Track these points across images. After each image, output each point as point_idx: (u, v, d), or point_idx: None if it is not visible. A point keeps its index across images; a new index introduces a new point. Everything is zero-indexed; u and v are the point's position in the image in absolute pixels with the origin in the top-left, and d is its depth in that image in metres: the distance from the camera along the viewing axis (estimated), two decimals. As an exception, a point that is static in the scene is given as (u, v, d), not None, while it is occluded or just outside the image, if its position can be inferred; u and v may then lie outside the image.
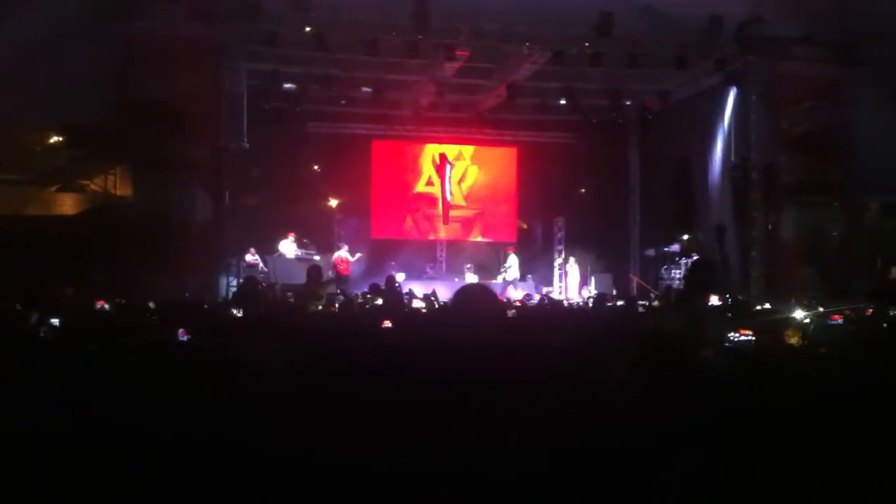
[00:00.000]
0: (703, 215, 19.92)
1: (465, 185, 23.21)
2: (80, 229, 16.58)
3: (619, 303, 13.19)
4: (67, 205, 18.03)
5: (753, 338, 4.83)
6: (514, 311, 8.84)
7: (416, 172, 23.02)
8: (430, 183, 23.02)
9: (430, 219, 23.04)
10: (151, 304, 9.09)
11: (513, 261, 21.37)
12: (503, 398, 2.78)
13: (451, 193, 22.92)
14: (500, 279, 21.01)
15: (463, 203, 23.17)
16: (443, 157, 22.83)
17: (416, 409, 2.72)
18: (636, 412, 2.84)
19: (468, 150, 23.27)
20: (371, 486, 2.45)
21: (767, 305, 12.04)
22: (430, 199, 23.04)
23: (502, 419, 2.67)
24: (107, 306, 8.75)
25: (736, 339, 4.83)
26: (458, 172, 23.15)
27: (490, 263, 22.43)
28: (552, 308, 12.43)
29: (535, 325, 6.49)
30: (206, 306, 9.80)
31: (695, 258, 17.63)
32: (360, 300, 11.35)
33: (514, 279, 20.88)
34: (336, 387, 3.00)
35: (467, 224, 23.28)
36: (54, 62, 14.63)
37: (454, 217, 23.10)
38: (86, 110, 15.73)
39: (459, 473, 2.47)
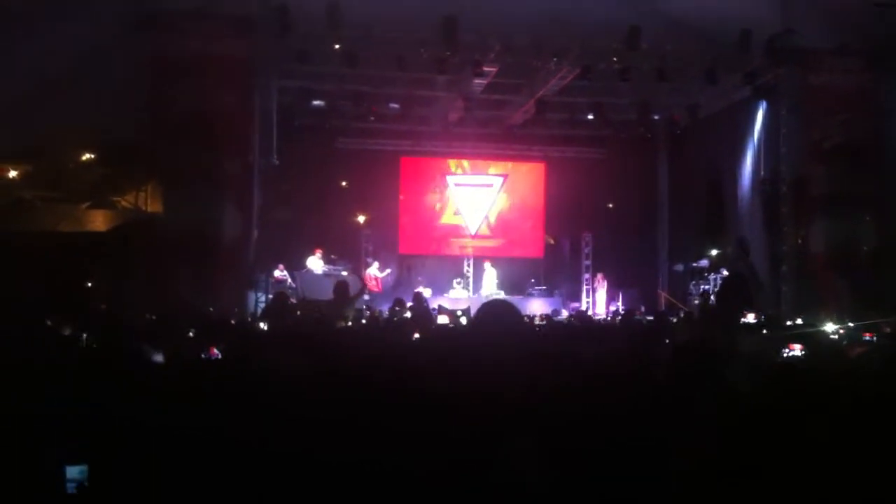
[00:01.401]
0: (733, 230, 19.76)
1: (492, 214, 23.24)
2: (112, 245, 16.74)
3: (648, 318, 13.11)
4: (99, 221, 18.22)
5: (802, 352, 4.75)
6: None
7: (443, 191, 23.04)
8: (456, 213, 23.07)
9: (456, 234, 23.03)
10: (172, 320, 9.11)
11: (488, 273, 21.44)
12: (525, 414, 2.76)
13: (477, 213, 23.01)
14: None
15: (488, 232, 23.23)
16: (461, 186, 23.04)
17: (437, 426, 2.71)
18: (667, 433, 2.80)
19: (497, 178, 23.30)
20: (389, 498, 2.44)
21: (799, 321, 11.93)
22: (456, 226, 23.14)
23: (524, 435, 2.65)
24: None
25: (788, 355, 4.74)
26: (485, 194, 23.17)
27: (517, 279, 22.36)
28: (581, 324, 12.36)
29: (562, 341, 6.46)
30: (233, 322, 9.85)
31: (728, 274, 17.46)
32: (385, 316, 11.37)
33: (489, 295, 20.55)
34: (359, 401, 2.99)
35: (494, 239, 23.27)
36: (87, 79, 14.81)
37: (481, 234, 23.10)
38: (118, 127, 15.92)
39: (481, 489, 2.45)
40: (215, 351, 4.88)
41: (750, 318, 6.55)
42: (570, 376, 3.26)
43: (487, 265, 21.67)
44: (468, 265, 23.02)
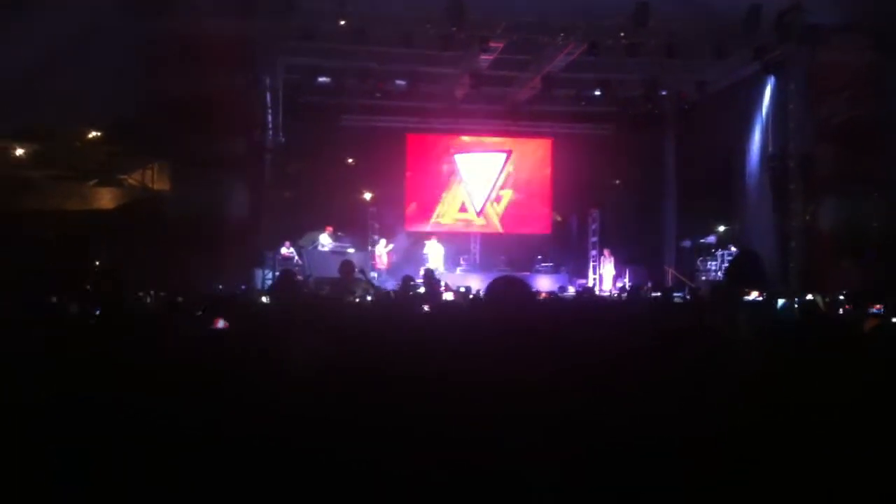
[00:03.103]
0: (741, 206, 19.70)
1: (498, 191, 23.20)
2: (119, 223, 16.79)
3: (655, 294, 13.10)
4: (106, 199, 18.28)
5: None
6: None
7: (449, 168, 23.01)
8: (463, 189, 23.05)
9: (463, 211, 23.01)
10: (179, 299, 9.13)
11: (434, 249, 21.08)
12: (532, 392, 2.75)
13: (483, 190, 22.96)
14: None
15: (494, 209, 23.17)
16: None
17: (445, 402, 2.71)
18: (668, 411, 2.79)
19: (503, 155, 23.26)
20: (392, 482, 2.45)
21: (809, 297, 11.90)
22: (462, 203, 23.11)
23: (529, 414, 2.64)
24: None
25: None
26: (491, 170, 23.13)
27: (524, 256, 22.32)
28: (591, 300, 12.36)
29: (572, 317, 6.44)
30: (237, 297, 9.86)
31: (736, 250, 17.43)
32: (393, 293, 11.38)
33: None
34: (366, 377, 2.99)
35: (501, 200, 23.23)
36: (93, 59, 14.79)
37: (488, 211, 23.07)
38: (124, 107, 15.92)
39: (488, 471, 2.45)
40: (220, 323, 4.87)
41: (754, 295, 6.53)
42: (573, 356, 3.23)
43: (433, 241, 21.26)
44: (475, 243, 23.02)
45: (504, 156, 23.25)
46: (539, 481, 2.46)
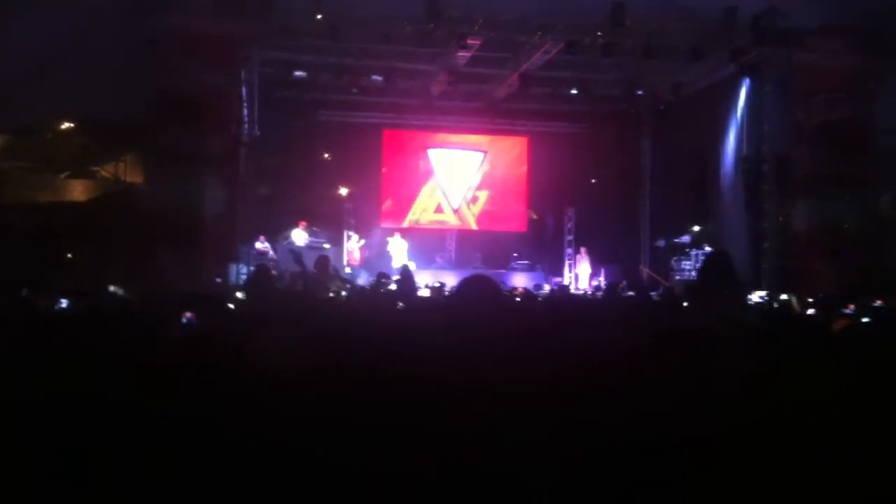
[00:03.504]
0: (715, 207, 19.83)
1: (474, 188, 23.28)
2: (92, 216, 16.64)
3: (629, 293, 13.14)
4: (78, 191, 18.10)
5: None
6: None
7: (425, 165, 23.00)
8: (439, 186, 23.09)
9: (438, 208, 23.02)
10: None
11: (397, 245, 20.89)
12: (507, 391, 2.76)
13: (459, 187, 23.00)
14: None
15: (470, 206, 23.27)
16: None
17: (422, 400, 2.70)
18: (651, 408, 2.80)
19: (479, 152, 23.30)
20: (372, 483, 2.44)
21: (784, 297, 12.00)
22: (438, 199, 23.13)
23: (508, 413, 2.64)
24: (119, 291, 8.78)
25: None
26: (467, 167, 23.15)
27: (499, 254, 22.34)
28: (567, 298, 12.39)
29: (545, 315, 6.46)
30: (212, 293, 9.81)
31: (710, 250, 17.54)
32: (369, 288, 11.37)
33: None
34: (344, 374, 2.98)
35: (477, 200, 23.27)
36: (71, 55, 14.69)
37: (463, 208, 23.10)
38: (100, 100, 15.79)
39: (468, 468, 2.45)
40: (187, 315, 4.83)
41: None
42: (549, 354, 3.24)
43: (396, 237, 21.10)
44: (451, 240, 23.03)
45: (480, 154, 23.28)
46: (528, 481, 2.46)
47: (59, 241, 15.43)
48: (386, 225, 22.20)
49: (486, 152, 23.35)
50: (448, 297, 9.71)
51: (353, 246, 20.07)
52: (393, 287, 10.03)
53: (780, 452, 2.53)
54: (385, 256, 20.28)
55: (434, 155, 23.03)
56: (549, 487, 2.45)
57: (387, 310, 5.73)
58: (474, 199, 23.19)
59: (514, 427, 2.57)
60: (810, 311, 9.20)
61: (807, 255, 16.77)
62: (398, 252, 20.65)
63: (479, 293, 3.81)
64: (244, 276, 15.73)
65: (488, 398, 2.69)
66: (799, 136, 17.18)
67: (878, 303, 8.97)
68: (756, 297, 7.50)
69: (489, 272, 18.04)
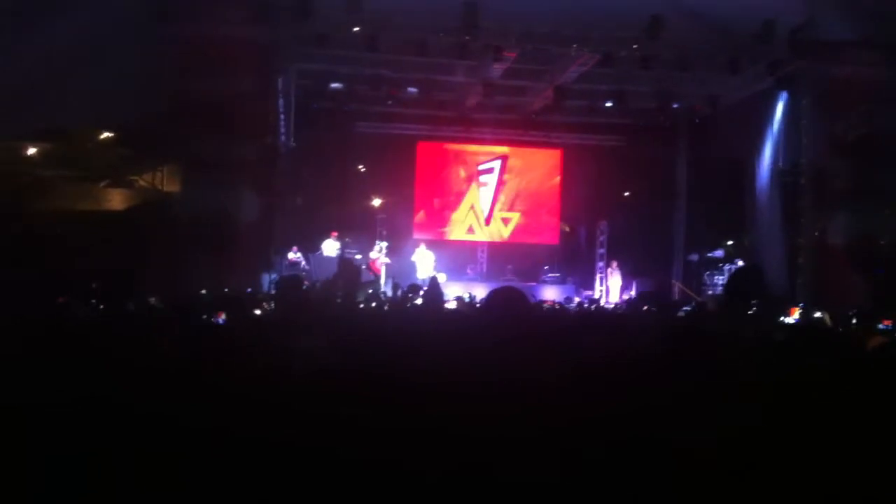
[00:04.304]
0: (751, 221, 19.65)
1: (508, 200, 23.20)
2: (129, 224, 16.82)
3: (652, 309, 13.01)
4: (116, 200, 18.31)
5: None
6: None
7: (459, 177, 23.03)
8: (472, 198, 23.08)
9: (471, 220, 23.03)
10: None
11: (423, 256, 20.69)
12: (530, 397, 2.76)
13: (492, 202, 23.00)
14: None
15: (503, 218, 23.20)
16: (477, 172, 22.98)
17: (441, 405, 2.72)
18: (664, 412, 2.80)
19: (515, 161, 23.27)
20: (389, 483, 2.45)
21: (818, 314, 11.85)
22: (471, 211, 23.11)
23: (526, 419, 2.65)
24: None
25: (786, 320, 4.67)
26: (500, 180, 23.17)
27: (531, 266, 22.30)
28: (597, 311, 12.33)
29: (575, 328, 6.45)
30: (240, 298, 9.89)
31: (739, 264, 17.39)
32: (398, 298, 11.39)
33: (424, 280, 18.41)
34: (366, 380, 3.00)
35: (509, 222, 23.23)
36: (109, 62, 14.86)
37: (496, 220, 23.09)
38: (138, 109, 15.96)
39: (479, 472, 2.46)
40: (222, 317, 4.91)
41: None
42: (573, 367, 3.24)
43: (422, 248, 20.90)
44: (482, 252, 23.01)
45: (517, 166, 23.25)
46: (534, 485, 2.47)
47: (97, 249, 15.60)
48: (418, 237, 22.23)
49: (519, 164, 23.31)
50: (478, 307, 9.72)
51: (375, 255, 20.08)
52: (419, 301, 10.03)
53: (793, 465, 2.51)
54: (411, 267, 20.26)
55: (468, 167, 23.05)
56: (563, 488, 2.46)
57: (412, 319, 5.74)
58: (506, 221, 23.16)
59: (533, 430, 2.59)
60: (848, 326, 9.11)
61: (843, 270, 16.53)
62: (424, 263, 20.63)
63: (508, 304, 3.83)
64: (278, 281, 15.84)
65: (511, 402, 2.71)
66: (836, 149, 16.98)
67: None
68: (791, 318, 7.39)
69: (520, 285, 18.00)
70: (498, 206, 23.11)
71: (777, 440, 2.59)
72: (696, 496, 2.46)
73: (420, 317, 7.10)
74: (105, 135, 18.61)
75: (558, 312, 9.30)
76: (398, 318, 7.21)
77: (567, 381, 2.96)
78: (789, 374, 3.29)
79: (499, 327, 3.70)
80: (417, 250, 20.90)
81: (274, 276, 16.75)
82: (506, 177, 23.16)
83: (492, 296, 4.00)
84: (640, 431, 2.62)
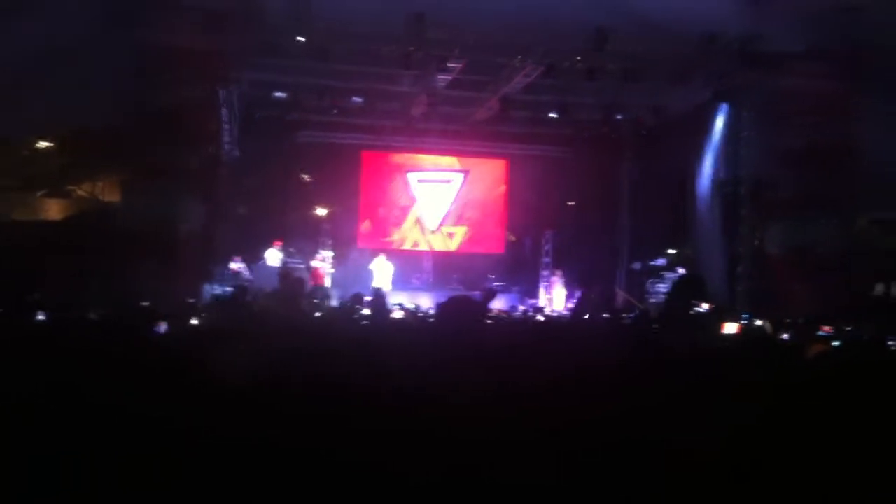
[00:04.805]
0: (692, 230, 19.92)
1: (453, 210, 23.33)
2: (67, 234, 16.53)
3: (605, 315, 13.09)
4: (54, 210, 18.01)
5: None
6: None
7: (404, 187, 23.02)
8: (417, 208, 23.11)
9: (416, 230, 23.03)
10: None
11: (382, 267, 20.54)
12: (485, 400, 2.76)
13: (438, 214, 23.03)
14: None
15: (448, 228, 23.32)
16: (422, 182, 23.06)
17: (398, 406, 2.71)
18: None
19: (460, 171, 23.34)
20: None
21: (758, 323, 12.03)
22: (416, 221, 23.16)
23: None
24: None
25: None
26: (446, 190, 23.19)
27: (476, 275, 22.34)
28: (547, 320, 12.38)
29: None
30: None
31: (680, 273, 17.61)
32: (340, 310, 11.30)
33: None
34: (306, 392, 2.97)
35: (454, 236, 23.27)
36: (49, 68, 14.60)
37: (441, 230, 23.14)
38: (80, 118, 15.70)
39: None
40: (163, 326, 4.83)
41: (704, 306, 6.59)
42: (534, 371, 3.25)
43: (382, 258, 20.72)
44: (428, 261, 23.00)
45: (462, 176, 23.34)
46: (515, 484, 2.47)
47: (35, 259, 15.30)
48: (363, 246, 22.15)
49: (465, 174, 23.39)
50: (424, 318, 9.67)
51: (317, 264, 19.93)
52: (366, 311, 9.94)
53: (746, 474, 2.52)
54: (361, 278, 20.14)
55: (412, 177, 23.06)
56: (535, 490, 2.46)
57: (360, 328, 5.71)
58: (451, 236, 23.21)
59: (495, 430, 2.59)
60: (784, 336, 9.25)
61: (782, 278, 16.82)
62: (382, 274, 20.53)
63: (460, 313, 3.83)
64: (216, 292, 15.65)
65: (466, 406, 2.71)
66: (776, 159, 17.25)
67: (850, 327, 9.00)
68: (729, 328, 7.49)
69: (466, 294, 18.00)
70: (443, 219, 23.13)
71: (729, 451, 2.61)
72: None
73: (367, 325, 7.04)
74: (43, 144, 18.30)
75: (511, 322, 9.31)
76: (343, 325, 7.16)
77: (538, 389, 2.96)
78: (737, 383, 3.32)
79: (453, 340, 3.69)
80: (376, 260, 20.71)
81: (215, 286, 16.55)
82: (451, 187, 23.22)
83: (447, 304, 3.97)
84: (615, 436, 2.64)
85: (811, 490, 2.50)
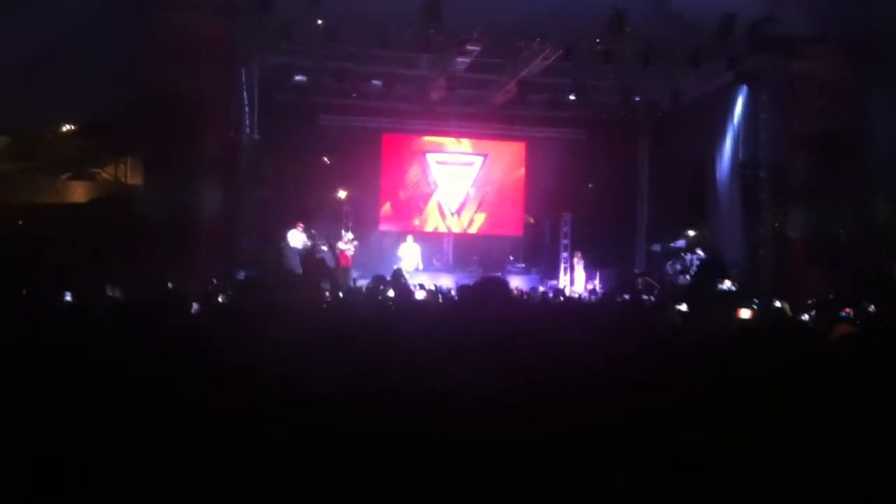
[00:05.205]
0: (711, 212, 19.92)
1: (472, 193, 23.36)
2: (92, 218, 16.67)
3: (626, 297, 13.18)
4: (78, 193, 18.15)
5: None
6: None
7: (424, 169, 23.09)
8: (437, 191, 23.20)
9: (436, 212, 23.11)
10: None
11: (409, 250, 20.83)
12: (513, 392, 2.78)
13: (457, 192, 23.08)
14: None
15: (468, 211, 23.38)
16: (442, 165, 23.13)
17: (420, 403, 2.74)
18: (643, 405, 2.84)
19: (479, 154, 23.40)
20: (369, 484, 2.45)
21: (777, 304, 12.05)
22: (436, 203, 23.24)
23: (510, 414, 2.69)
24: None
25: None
26: (465, 173, 23.24)
27: (495, 257, 22.45)
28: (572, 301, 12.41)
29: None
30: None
31: (703, 258, 17.62)
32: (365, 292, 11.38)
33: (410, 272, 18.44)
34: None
35: (473, 222, 23.36)
36: (69, 55, 14.69)
37: (461, 212, 23.20)
38: (100, 101, 15.80)
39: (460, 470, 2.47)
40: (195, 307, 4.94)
41: (727, 284, 6.66)
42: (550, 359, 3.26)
43: (409, 239, 21.07)
44: (448, 243, 23.10)
45: (481, 159, 23.39)
46: (529, 480, 2.49)
47: (58, 242, 15.43)
48: (384, 228, 22.28)
49: (484, 157, 23.43)
50: (460, 297, 9.70)
51: (344, 245, 20.05)
52: (391, 293, 10.04)
53: (771, 461, 2.53)
54: (385, 260, 20.24)
55: (432, 159, 23.12)
56: (548, 486, 2.49)
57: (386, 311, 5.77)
58: (471, 222, 23.29)
59: (517, 425, 2.61)
60: (807, 317, 9.29)
61: (802, 262, 16.80)
62: (410, 256, 20.70)
63: (492, 294, 3.83)
64: (241, 278, 15.73)
65: (494, 397, 2.73)
66: (795, 143, 17.22)
67: (872, 308, 9.03)
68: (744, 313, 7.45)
69: (486, 274, 18.08)
70: (463, 202, 23.20)
71: (766, 437, 2.62)
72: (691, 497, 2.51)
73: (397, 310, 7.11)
74: (66, 127, 18.44)
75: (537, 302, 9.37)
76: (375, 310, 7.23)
77: (566, 380, 2.98)
78: (760, 365, 3.33)
79: (486, 322, 3.66)
80: (403, 244, 20.94)
81: (240, 270, 16.63)
82: (471, 170, 23.28)
83: (478, 285, 3.98)
84: (617, 425, 2.68)
85: (845, 486, 2.43)
